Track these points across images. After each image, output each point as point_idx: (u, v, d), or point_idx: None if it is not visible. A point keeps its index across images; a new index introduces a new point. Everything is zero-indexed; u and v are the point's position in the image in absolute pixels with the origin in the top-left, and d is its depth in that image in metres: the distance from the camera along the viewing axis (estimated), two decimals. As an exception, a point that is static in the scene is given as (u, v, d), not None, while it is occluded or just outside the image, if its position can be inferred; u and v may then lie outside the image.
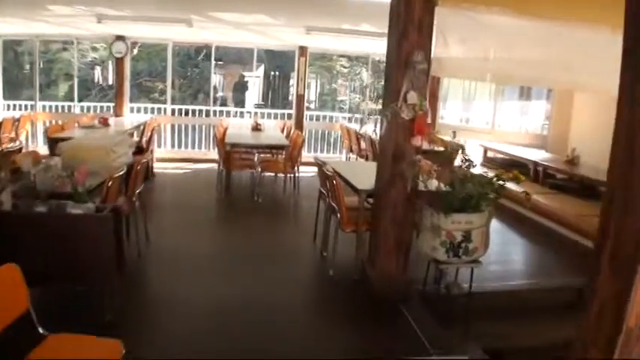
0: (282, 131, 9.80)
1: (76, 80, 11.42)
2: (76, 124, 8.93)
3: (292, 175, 8.19)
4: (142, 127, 9.46)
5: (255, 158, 8.11)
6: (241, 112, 12.48)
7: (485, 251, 4.30)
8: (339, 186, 4.80)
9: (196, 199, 7.91)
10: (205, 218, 7.00)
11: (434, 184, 4.33)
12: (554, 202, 7.28)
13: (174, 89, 17.95)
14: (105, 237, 3.83)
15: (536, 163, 8.70)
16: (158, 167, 9.93)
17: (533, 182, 8.17)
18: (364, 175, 5.40)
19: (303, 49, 11.09)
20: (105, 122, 8.85)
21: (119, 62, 10.63)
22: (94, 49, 15.53)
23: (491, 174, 4.24)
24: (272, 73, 20.74)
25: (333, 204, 5.08)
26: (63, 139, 7.35)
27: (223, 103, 19.77)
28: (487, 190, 4.07)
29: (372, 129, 9.39)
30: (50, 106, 11.32)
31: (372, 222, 4.74)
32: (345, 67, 19.77)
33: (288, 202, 8.19)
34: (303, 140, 8.01)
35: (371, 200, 4.84)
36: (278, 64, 19.90)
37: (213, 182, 8.61)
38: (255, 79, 19.41)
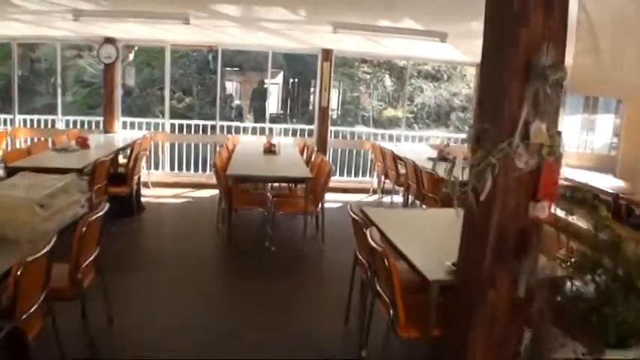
0: (302, 153, 7.97)
1: (59, 89, 9.64)
2: (51, 146, 7.28)
3: (315, 215, 6.35)
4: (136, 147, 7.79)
5: (268, 191, 6.30)
6: (254, 128, 10.52)
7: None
8: (397, 274, 2.93)
9: (189, 246, 6.11)
10: (196, 280, 5.15)
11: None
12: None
13: (192, 97, 16.79)
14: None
15: (617, 196, 6.73)
16: (152, 196, 8.27)
17: (613, 219, 6.23)
18: (428, 239, 3.60)
19: (327, 53, 9.16)
20: (83, 143, 7.11)
21: (109, 69, 8.89)
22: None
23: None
24: (291, 80, 19.30)
25: (382, 291, 3.26)
26: (22, 169, 5.71)
27: (239, 113, 18.52)
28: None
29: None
30: (32, 121, 9.62)
31: (451, 332, 2.87)
32: (367, 74, 18.45)
33: (310, 253, 6.22)
34: (331, 169, 6.13)
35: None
36: (298, 70, 18.47)
37: (214, 219, 6.75)
38: (272, 87, 17.94)
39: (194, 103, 17.22)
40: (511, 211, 2.39)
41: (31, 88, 14.84)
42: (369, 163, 9.93)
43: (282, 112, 19.41)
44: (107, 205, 3.80)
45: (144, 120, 9.83)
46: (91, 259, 3.73)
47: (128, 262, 5.45)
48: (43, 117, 9.71)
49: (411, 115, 17.26)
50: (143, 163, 8.37)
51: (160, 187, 8.91)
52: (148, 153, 8.72)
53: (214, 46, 9.37)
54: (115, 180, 6.72)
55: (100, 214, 3.65)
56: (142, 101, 16.29)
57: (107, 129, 9.01)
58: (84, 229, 3.39)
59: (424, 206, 6.43)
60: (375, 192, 9.21)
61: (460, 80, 18.46)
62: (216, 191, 7.54)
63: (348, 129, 11.25)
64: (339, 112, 18.28)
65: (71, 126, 9.47)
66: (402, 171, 7.77)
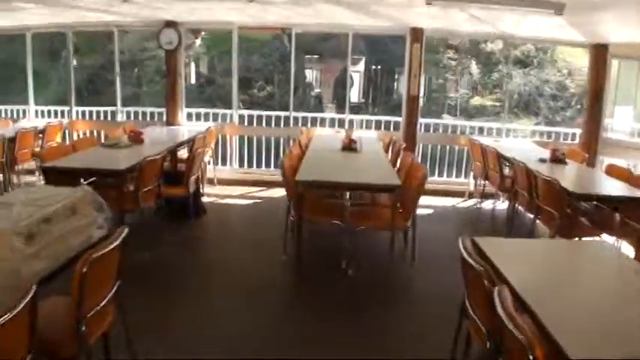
0: (387, 151, 6.80)
1: (118, 79, 8.89)
2: (102, 140, 6.52)
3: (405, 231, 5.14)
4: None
5: (346, 200, 5.16)
6: (332, 119, 9.30)
7: None
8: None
9: (250, 264, 5.11)
10: (254, 312, 4.11)
11: None
12: None
13: (272, 85, 16.34)
14: None
15: None
16: (217, 195, 7.44)
17: None
18: (578, 299, 2.42)
19: (417, 33, 7.81)
20: (137, 137, 6.26)
21: (171, 56, 8.05)
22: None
23: None
24: (373, 67, 18.34)
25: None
26: (57, 169, 4.95)
27: (319, 102, 17.90)
28: None
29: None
30: (90, 112, 8.98)
31: None
32: (452, 60, 17.32)
33: (399, 280, 4.97)
34: (425, 174, 4.86)
35: None
36: (380, 56, 17.48)
37: (283, 226, 5.46)
38: (354, 75, 17.09)
39: (274, 91, 16.79)
40: None
41: (111, 79, 14.73)
42: (464, 160, 8.57)
43: (363, 100, 18.51)
44: (126, 229, 2.78)
45: (211, 111, 8.95)
46: (104, 302, 2.76)
47: (171, 283, 4.56)
48: (103, 109, 9.04)
49: (498, 104, 16.04)
50: (208, 159, 7.53)
51: (227, 184, 8.04)
52: (214, 147, 7.87)
53: (287, 28, 8.29)
54: (172, 179, 5.87)
55: (113, 245, 2.64)
56: (223, 90, 15.95)
57: (170, 121, 8.22)
58: (84, 269, 2.41)
59: (548, 229, 5.07)
60: (471, 196, 7.89)
61: (551, 66, 16.92)
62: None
63: (438, 121, 9.90)
64: (424, 101, 17.28)
65: (132, 117, 8.75)
66: (506, 172, 6.48)
